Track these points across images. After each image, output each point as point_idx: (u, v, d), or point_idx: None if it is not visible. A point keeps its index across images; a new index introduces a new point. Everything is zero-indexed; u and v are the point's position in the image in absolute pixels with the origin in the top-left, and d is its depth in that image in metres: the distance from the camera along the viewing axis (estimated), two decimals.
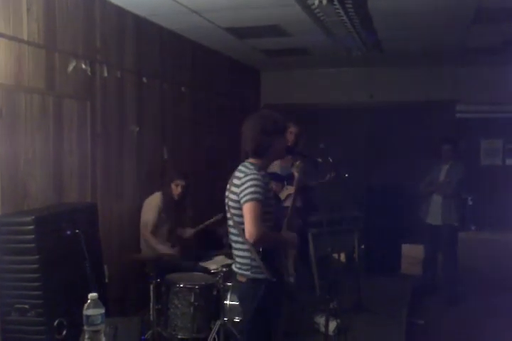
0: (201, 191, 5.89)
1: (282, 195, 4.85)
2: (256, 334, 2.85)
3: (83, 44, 4.05)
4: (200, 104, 6.11)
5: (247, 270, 2.82)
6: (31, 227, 3.13)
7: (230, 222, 2.85)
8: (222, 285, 3.90)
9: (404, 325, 4.65)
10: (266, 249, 2.76)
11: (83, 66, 4.00)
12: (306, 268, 5.16)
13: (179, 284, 3.89)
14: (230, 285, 3.96)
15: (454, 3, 4.39)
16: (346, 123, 7.66)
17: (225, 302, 3.96)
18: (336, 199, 5.11)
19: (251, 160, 2.87)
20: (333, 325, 4.04)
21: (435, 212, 5.67)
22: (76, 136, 4.00)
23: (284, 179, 4.91)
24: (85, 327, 1.99)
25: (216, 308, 3.89)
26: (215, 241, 5.24)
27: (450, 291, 5.57)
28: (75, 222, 3.46)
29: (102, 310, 2.00)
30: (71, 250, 3.38)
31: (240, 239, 2.80)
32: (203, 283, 3.95)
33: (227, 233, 2.96)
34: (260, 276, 2.78)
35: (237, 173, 2.84)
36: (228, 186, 2.86)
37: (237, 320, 3.87)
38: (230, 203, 2.82)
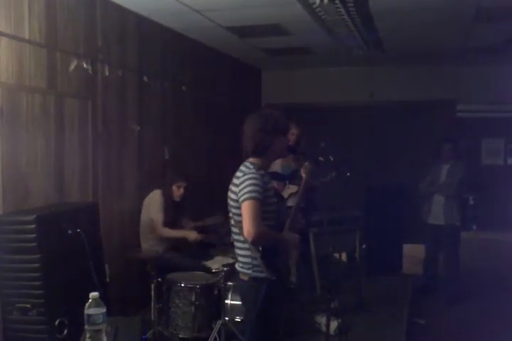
0: (202, 191, 5.88)
1: (285, 194, 4.84)
2: (258, 335, 2.85)
3: (84, 43, 4.05)
4: (201, 103, 6.11)
5: (248, 269, 2.82)
6: (33, 226, 3.13)
7: (232, 221, 2.87)
8: (223, 285, 3.90)
9: (405, 325, 4.64)
10: (266, 247, 2.76)
11: (84, 65, 4.00)
12: (307, 267, 5.15)
13: (180, 283, 3.90)
14: (231, 285, 3.97)
15: (455, 2, 4.38)
16: (347, 122, 7.66)
17: (226, 301, 3.96)
18: (336, 198, 5.11)
19: (251, 159, 2.87)
20: (334, 324, 4.04)
21: (437, 212, 5.66)
22: (77, 135, 4.00)
23: (286, 178, 4.90)
24: (86, 327, 2.00)
25: (217, 308, 3.89)
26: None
27: (451, 291, 5.57)
28: (76, 221, 3.47)
29: (103, 310, 2.00)
30: (72, 249, 3.39)
31: (241, 238, 2.81)
32: (204, 282, 3.95)
33: (229, 232, 2.97)
34: (261, 275, 2.78)
35: (237, 173, 2.85)
36: (230, 186, 2.87)
37: (238, 319, 3.88)
38: (231, 203, 2.83)
